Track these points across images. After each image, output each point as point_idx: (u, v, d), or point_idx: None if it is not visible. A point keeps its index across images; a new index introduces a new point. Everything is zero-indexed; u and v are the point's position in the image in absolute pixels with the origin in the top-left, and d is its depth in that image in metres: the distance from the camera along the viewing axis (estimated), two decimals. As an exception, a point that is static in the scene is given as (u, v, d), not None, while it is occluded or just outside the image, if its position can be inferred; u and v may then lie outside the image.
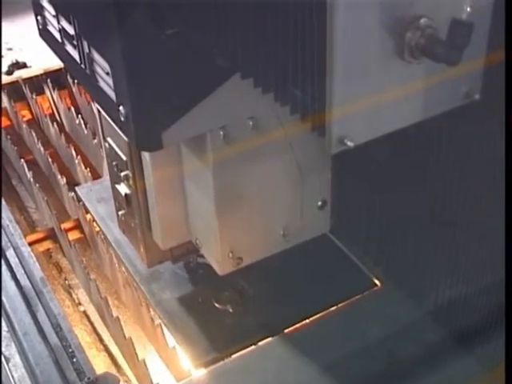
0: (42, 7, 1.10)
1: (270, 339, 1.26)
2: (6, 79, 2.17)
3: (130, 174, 1.17)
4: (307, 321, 1.29)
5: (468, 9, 0.70)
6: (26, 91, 2.19)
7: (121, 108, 0.93)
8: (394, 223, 1.25)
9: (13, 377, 1.21)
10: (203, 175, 1.10)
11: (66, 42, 1.06)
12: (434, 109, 0.82)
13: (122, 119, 0.94)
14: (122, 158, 1.17)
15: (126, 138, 1.08)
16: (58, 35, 1.08)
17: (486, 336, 1.11)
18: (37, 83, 2.21)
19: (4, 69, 2.19)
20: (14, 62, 2.21)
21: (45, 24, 1.13)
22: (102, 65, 0.95)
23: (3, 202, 1.62)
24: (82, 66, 1.02)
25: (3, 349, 1.25)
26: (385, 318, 1.27)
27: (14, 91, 2.20)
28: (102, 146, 1.89)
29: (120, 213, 1.28)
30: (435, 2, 0.71)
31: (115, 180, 1.24)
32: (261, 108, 1.03)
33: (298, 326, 1.28)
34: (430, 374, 1.17)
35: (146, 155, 1.12)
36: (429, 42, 0.70)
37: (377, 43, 0.71)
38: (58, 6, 1.04)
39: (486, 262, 1.05)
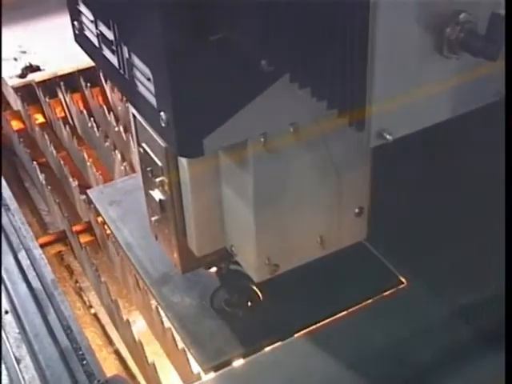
0: (80, 12, 1.09)
1: (281, 342, 1.25)
2: (19, 82, 2.18)
3: (166, 180, 1.15)
4: (313, 327, 1.28)
5: None
6: (39, 94, 2.20)
7: (162, 114, 0.92)
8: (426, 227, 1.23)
9: (23, 378, 1.21)
10: (242, 181, 1.09)
11: (103, 48, 1.04)
12: (468, 104, 0.83)
13: (163, 125, 0.92)
14: (157, 164, 1.15)
15: (162, 144, 1.07)
16: (95, 40, 1.06)
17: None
18: (50, 86, 2.22)
19: (18, 72, 2.20)
20: (28, 65, 2.22)
21: (81, 29, 1.11)
22: (142, 70, 0.93)
23: (16, 204, 1.63)
24: (121, 71, 1.00)
25: (14, 350, 1.25)
26: (410, 316, 1.26)
27: (28, 94, 2.22)
28: (111, 147, 1.91)
29: (153, 218, 1.27)
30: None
31: (149, 186, 1.22)
32: (303, 114, 1.02)
33: (307, 330, 1.27)
34: (457, 374, 1.16)
35: (183, 161, 1.10)
36: (468, 36, 0.70)
37: (417, 39, 0.72)
38: (98, 11, 1.02)
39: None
